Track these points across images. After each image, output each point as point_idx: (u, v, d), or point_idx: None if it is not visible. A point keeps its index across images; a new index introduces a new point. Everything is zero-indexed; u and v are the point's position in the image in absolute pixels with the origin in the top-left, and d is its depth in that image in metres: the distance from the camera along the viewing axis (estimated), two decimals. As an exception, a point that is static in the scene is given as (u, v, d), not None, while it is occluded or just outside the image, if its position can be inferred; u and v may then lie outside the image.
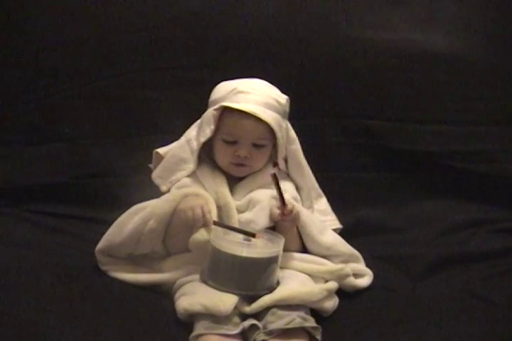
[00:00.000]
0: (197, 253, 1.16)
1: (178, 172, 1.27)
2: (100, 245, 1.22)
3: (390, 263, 1.40)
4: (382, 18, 1.57)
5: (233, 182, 1.27)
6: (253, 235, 1.12)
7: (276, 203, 1.19)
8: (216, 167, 1.28)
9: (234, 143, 1.23)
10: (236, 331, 1.02)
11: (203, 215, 1.14)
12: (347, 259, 1.25)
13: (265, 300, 1.07)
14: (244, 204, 1.24)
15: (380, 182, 1.58)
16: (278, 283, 1.13)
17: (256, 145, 1.23)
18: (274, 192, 1.21)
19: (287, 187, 1.29)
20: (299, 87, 1.48)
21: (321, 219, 1.33)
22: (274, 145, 1.27)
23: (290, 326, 1.03)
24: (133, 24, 1.54)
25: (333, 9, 1.56)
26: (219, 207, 1.22)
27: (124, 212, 1.23)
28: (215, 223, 1.14)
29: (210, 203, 1.18)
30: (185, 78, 1.54)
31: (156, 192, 1.27)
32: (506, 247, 1.43)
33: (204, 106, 1.29)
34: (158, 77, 1.54)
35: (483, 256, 1.41)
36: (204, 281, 1.11)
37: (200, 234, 1.14)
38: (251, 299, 1.08)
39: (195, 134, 1.28)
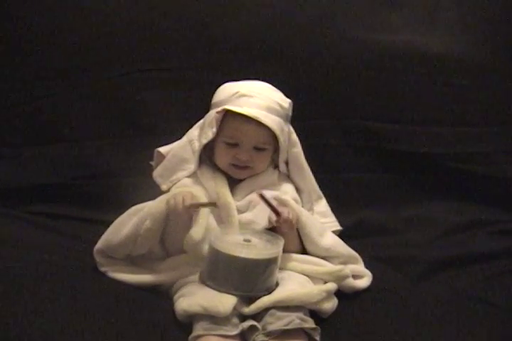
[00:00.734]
0: (192, 253, 1.16)
1: (179, 172, 1.27)
2: (98, 246, 1.22)
3: (390, 264, 1.40)
4: (383, 20, 1.57)
5: (234, 182, 1.26)
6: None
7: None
8: (217, 168, 1.28)
9: (235, 146, 1.23)
10: (235, 332, 1.02)
11: (182, 202, 1.13)
12: (346, 260, 1.25)
13: (264, 301, 1.06)
14: (245, 205, 1.24)
15: (379, 183, 1.58)
16: (277, 284, 1.12)
17: (257, 149, 1.23)
18: (274, 193, 1.22)
19: (288, 189, 1.29)
20: (299, 89, 1.48)
21: (320, 220, 1.33)
22: (276, 149, 1.27)
23: (289, 327, 1.03)
24: (133, 25, 1.54)
25: (334, 11, 1.56)
26: (219, 208, 1.22)
27: (122, 212, 1.23)
28: (192, 205, 1.14)
29: (197, 197, 1.18)
30: (185, 79, 1.55)
31: (155, 193, 1.27)
32: (506, 248, 1.43)
33: (204, 107, 1.29)
34: (157, 78, 1.55)
35: (483, 257, 1.41)
36: (203, 282, 1.11)
37: (195, 233, 1.13)
38: (250, 300, 1.08)
39: (197, 135, 1.28)
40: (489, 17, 1.59)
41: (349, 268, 1.22)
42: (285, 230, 1.17)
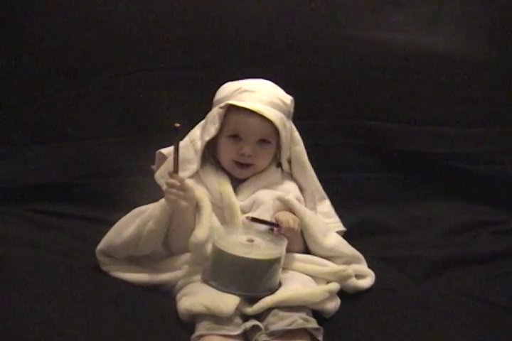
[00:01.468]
0: (196, 254, 1.16)
1: (181, 173, 1.27)
2: (100, 246, 1.22)
3: (392, 264, 1.40)
4: (386, 19, 1.57)
5: (237, 182, 1.27)
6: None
7: (279, 203, 1.20)
8: (220, 167, 1.28)
9: (238, 140, 1.23)
10: (238, 332, 1.02)
11: (177, 182, 1.13)
12: (349, 261, 1.25)
13: (267, 301, 1.06)
14: (249, 205, 1.24)
15: (381, 183, 1.58)
16: (280, 285, 1.12)
17: (260, 143, 1.23)
18: (277, 192, 1.23)
19: (291, 188, 1.29)
20: (301, 88, 1.48)
21: (324, 221, 1.32)
22: (278, 146, 1.27)
23: (292, 327, 1.03)
24: (137, 25, 1.54)
25: (336, 10, 1.56)
26: (223, 208, 1.22)
27: (125, 212, 1.23)
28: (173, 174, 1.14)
29: (204, 204, 1.17)
30: (188, 78, 1.55)
31: (158, 193, 1.27)
32: (508, 249, 1.43)
33: (206, 107, 1.29)
34: (161, 77, 1.55)
35: (485, 257, 1.41)
36: (206, 282, 1.11)
37: (199, 234, 1.13)
38: (253, 300, 1.08)
39: (199, 135, 1.28)
40: (493, 17, 1.59)
41: (352, 268, 1.22)
42: (289, 235, 1.16)
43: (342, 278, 1.19)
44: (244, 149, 1.22)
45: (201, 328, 1.02)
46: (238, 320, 1.05)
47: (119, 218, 1.23)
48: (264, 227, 1.17)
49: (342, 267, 1.21)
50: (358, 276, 1.24)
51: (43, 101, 1.55)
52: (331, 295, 1.14)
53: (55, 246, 1.32)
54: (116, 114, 1.55)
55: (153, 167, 1.34)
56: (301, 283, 1.14)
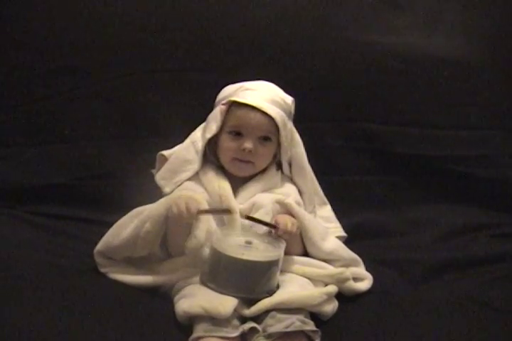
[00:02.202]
0: (194, 257, 1.15)
1: (182, 174, 1.27)
2: (99, 247, 1.22)
3: (390, 267, 1.39)
4: (385, 22, 1.57)
5: (236, 185, 1.26)
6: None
7: (278, 206, 1.20)
8: (220, 170, 1.28)
9: (239, 137, 1.23)
10: (236, 334, 1.02)
11: (187, 209, 1.12)
12: (348, 264, 1.25)
13: (265, 303, 1.06)
14: (248, 208, 1.23)
15: (380, 186, 1.58)
16: (278, 287, 1.12)
17: (261, 141, 1.24)
18: (277, 195, 1.23)
19: (291, 191, 1.29)
20: (301, 91, 1.46)
21: (324, 225, 1.32)
22: (278, 145, 1.27)
23: (289, 329, 1.03)
24: (135, 26, 1.54)
25: (336, 13, 1.56)
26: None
27: (124, 213, 1.22)
28: (199, 212, 1.13)
29: (200, 203, 1.17)
30: (187, 80, 1.55)
31: (156, 194, 1.27)
32: (506, 252, 1.43)
33: (207, 109, 1.30)
34: (159, 79, 1.54)
35: (484, 260, 1.41)
36: (204, 283, 1.11)
37: (196, 238, 1.13)
38: (251, 302, 1.08)
39: (200, 136, 1.29)
40: (491, 20, 1.60)
41: (350, 271, 1.22)
42: (286, 238, 1.16)
43: (340, 281, 1.20)
44: (245, 144, 1.22)
45: (199, 330, 1.02)
46: (236, 322, 1.05)
47: (117, 220, 1.22)
48: (263, 229, 1.17)
49: (340, 270, 1.21)
50: (356, 279, 1.24)
51: (40, 103, 1.54)
52: (329, 297, 1.14)
53: (52, 247, 1.32)
54: (116, 115, 1.55)
55: (153, 171, 1.34)
56: (299, 285, 1.14)
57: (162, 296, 1.17)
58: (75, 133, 1.54)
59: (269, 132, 1.24)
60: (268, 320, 1.05)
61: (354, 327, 1.13)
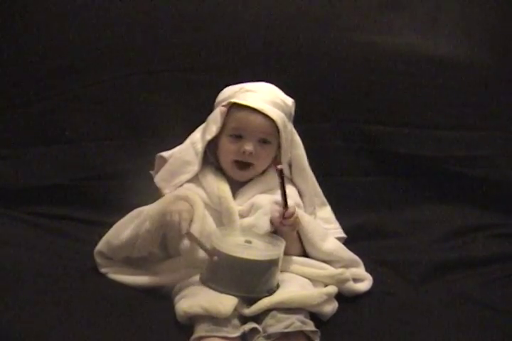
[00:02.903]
0: (188, 257, 1.16)
1: (182, 175, 1.27)
2: (99, 247, 1.22)
3: (390, 267, 1.40)
4: (384, 22, 1.58)
5: (236, 187, 1.26)
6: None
7: (277, 207, 1.19)
8: (219, 172, 1.28)
9: (240, 138, 1.23)
10: (237, 334, 1.02)
11: (179, 222, 1.12)
12: (347, 264, 1.25)
13: (265, 302, 1.06)
14: (247, 209, 1.23)
15: (379, 186, 1.58)
16: (278, 286, 1.12)
17: (261, 143, 1.24)
18: (276, 197, 1.21)
19: (291, 193, 1.29)
20: (300, 91, 1.47)
21: (324, 227, 1.32)
22: (279, 147, 1.27)
23: (289, 330, 1.03)
24: (135, 26, 1.54)
25: (336, 13, 1.57)
26: (220, 212, 1.22)
27: (124, 214, 1.23)
28: (188, 234, 1.12)
29: (197, 209, 1.17)
30: (187, 81, 1.55)
31: (156, 195, 1.27)
32: (505, 252, 1.43)
33: (207, 109, 1.30)
34: (160, 79, 1.55)
35: (483, 261, 1.41)
36: (204, 283, 1.11)
37: (182, 244, 1.14)
38: (251, 301, 1.07)
39: (200, 137, 1.28)
40: (491, 20, 1.60)
41: (350, 272, 1.22)
42: (285, 229, 1.17)
43: (340, 282, 1.20)
44: (245, 147, 1.22)
45: (200, 330, 1.02)
46: (236, 321, 1.04)
47: (117, 220, 1.23)
48: (262, 230, 1.18)
49: (340, 270, 1.21)
50: (356, 280, 1.24)
51: (41, 104, 1.55)
52: (329, 297, 1.14)
53: (52, 248, 1.32)
54: (116, 116, 1.55)
55: (152, 172, 1.34)
56: (299, 285, 1.14)
57: (163, 297, 1.17)
58: (75, 134, 1.54)
59: (269, 134, 1.24)
60: (268, 320, 1.05)
61: (354, 328, 1.13)
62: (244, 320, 1.06)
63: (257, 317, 1.07)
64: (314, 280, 1.19)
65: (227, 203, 1.22)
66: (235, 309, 1.04)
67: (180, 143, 1.32)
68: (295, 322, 1.04)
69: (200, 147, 1.27)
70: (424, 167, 1.57)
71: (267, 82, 1.30)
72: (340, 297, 1.19)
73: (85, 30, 1.54)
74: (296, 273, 1.19)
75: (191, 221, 1.15)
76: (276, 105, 1.24)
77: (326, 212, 1.38)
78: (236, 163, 1.25)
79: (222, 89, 1.31)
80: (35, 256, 1.24)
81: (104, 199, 1.51)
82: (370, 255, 1.37)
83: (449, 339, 1.10)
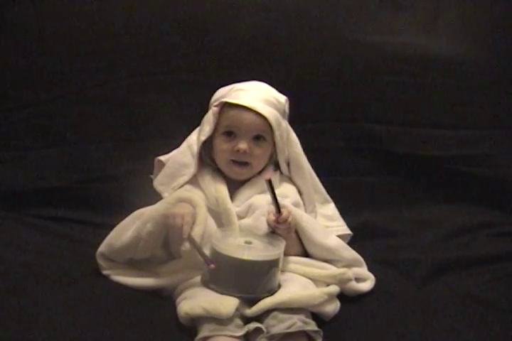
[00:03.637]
0: (190, 259, 1.16)
1: (180, 178, 1.28)
2: (101, 249, 1.22)
3: (392, 267, 1.39)
4: (385, 22, 1.57)
5: (233, 188, 1.27)
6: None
7: (272, 209, 1.18)
8: (217, 173, 1.28)
9: (233, 137, 1.24)
10: (241, 333, 1.02)
11: (181, 226, 1.12)
12: (350, 264, 1.24)
13: (266, 302, 1.06)
14: (244, 210, 1.24)
15: (382, 186, 1.58)
16: (279, 286, 1.12)
17: (255, 141, 1.24)
18: None
19: (290, 192, 1.29)
20: (301, 91, 1.49)
21: (326, 224, 1.32)
22: (274, 145, 1.27)
23: (291, 330, 1.03)
24: (135, 28, 1.54)
25: (335, 13, 1.56)
26: (219, 213, 1.22)
27: (126, 216, 1.23)
28: (189, 239, 1.12)
29: (200, 211, 1.17)
30: (187, 82, 1.54)
31: (158, 197, 1.28)
32: (508, 251, 1.43)
33: (204, 111, 1.30)
34: (160, 81, 1.54)
35: (486, 260, 1.40)
36: (205, 284, 1.11)
37: (184, 246, 1.14)
38: (252, 302, 1.08)
39: (196, 139, 1.29)
40: (491, 19, 1.59)
41: (352, 271, 1.22)
42: (281, 232, 1.17)
43: (342, 281, 1.19)
44: (239, 145, 1.22)
45: (205, 330, 1.02)
46: (239, 321, 1.05)
47: (118, 222, 1.23)
48: (262, 230, 1.18)
49: (342, 270, 1.21)
50: (358, 279, 1.24)
51: (41, 106, 1.55)
52: (331, 297, 1.14)
53: (54, 250, 1.32)
54: (116, 118, 1.55)
55: (152, 176, 1.34)
56: (300, 285, 1.14)
57: (164, 298, 1.17)
58: (76, 137, 1.55)
59: (262, 131, 1.24)
60: (270, 320, 1.05)
61: (356, 328, 1.13)
62: (246, 320, 1.06)
63: (259, 318, 1.07)
64: (316, 280, 1.19)
65: (225, 204, 1.22)
66: (237, 309, 1.04)
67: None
68: (297, 322, 1.04)
69: (196, 149, 1.27)
70: (426, 166, 1.56)
71: (267, 82, 1.30)
72: (342, 297, 1.19)
73: (84, 34, 1.54)
74: (298, 273, 1.19)
75: (193, 224, 1.15)
76: (268, 103, 1.24)
77: (329, 209, 1.38)
78: (233, 162, 1.25)
79: (220, 91, 1.31)
80: (37, 257, 1.25)
81: (106, 201, 1.51)
82: (372, 254, 1.36)
83: (452, 338, 1.10)
